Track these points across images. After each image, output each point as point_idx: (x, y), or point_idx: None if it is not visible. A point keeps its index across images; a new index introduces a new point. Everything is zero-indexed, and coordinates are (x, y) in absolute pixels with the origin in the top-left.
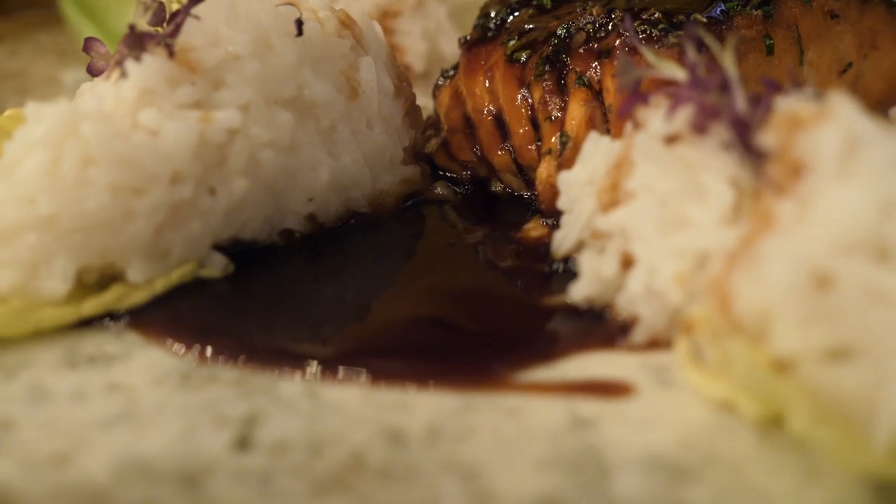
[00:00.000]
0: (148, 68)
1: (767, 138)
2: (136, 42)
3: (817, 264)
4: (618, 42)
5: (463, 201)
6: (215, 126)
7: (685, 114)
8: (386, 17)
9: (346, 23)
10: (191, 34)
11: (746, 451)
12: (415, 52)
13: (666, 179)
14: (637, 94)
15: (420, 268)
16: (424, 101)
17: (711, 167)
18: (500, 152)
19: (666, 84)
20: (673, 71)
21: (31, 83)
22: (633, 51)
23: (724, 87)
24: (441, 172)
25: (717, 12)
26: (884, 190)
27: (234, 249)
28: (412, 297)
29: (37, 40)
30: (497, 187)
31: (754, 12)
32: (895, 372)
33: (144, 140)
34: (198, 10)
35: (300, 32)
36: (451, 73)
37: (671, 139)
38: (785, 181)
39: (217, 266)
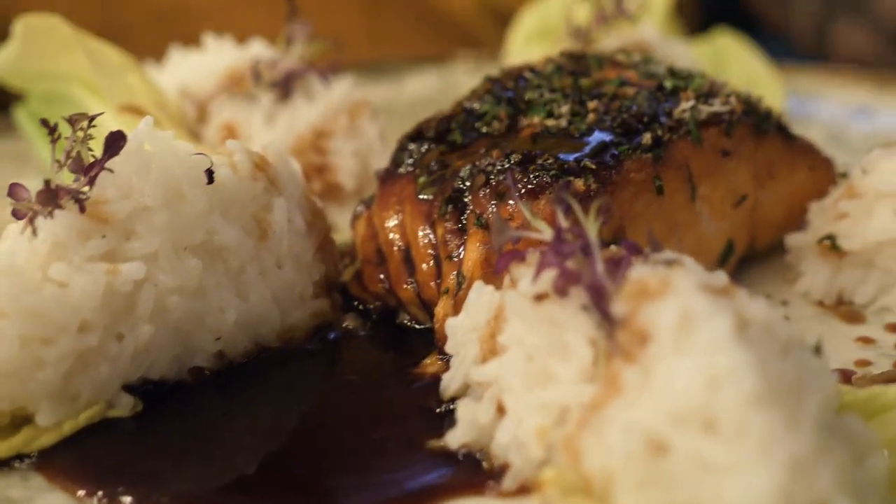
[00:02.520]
0: (59, 224)
1: (619, 306)
2: (50, 197)
3: (654, 432)
4: (494, 202)
5: (371, 333)
6: (122, 277)
7: (550, 275)
8: (320, 137)
9: (261, 165)
10: (104, 187)
11: None
12: (346, 172)
13: (533, 335)
14: (512, 252)
15: (319, 403)
16: None
17: (574, 326)
18: (406, 286)
19: (535, 243)
20: (543, 232)
21: None
22: (511, 205)
23: (585, 251)
24: (354, 302)
25: (608, 157)
26: (711, 366)
27: (144, 388)
28: (302, 434)
29: None
30: (405, 319)
31: (644, 156)
32: None
33: (53, 292)
34: (112, 162)
35: (210, 181)
36: (369, 202)
37: (539, 297)
38: (632, 348)
39: (125, 406)
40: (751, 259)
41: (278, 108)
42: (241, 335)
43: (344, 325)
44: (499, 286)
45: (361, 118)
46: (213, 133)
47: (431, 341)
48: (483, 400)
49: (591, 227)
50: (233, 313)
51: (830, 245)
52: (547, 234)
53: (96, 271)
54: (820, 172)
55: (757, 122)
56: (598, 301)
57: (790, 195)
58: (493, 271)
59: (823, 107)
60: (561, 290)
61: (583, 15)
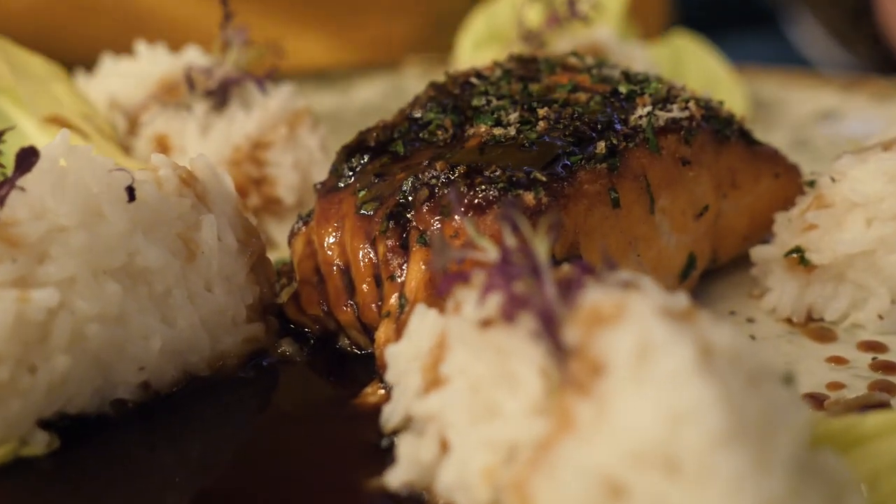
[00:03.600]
0: None
1: (571, 333)
2: None
3: (610, 474)
4: (437, 217)
5: (309, 359)
6: (34, 305)
7: (496, 299)
8: (257, 148)
9: (188, 180)
10: (15, 207)
11: None
12: (286, 185)
13: (478, 365)
14: (455, 274)
15: (252, 438)
16: None
17: (522, 355)
18: (345, 308)
19: (480, 263)
20: (488, 252)
21: None
22: (456, 221)
23: (534, 272)
24: (291, 325)
25: (560, 168)
26: (673, 401)
27: (61, 424)
28: (233, 472)
29: None
30: (344, 344)
31: (598, 166)
32: None
33: None
34: (24, 180)
35: (132, 198)
36: (308, 219)
37: (484, 323)
38: (585, 380)
39: (40, 443)
40: (713, 273)
41: (213, 118)
42: (168, 364)
43: (280, 350)
44: (444, 310)
45: (301, 128)
46: (145, 146)
47: (373, 368)
48: (426, 435)
49: (541, 246)
50: (158, 341)
51: (799, 259)
52: (493, 253)
53: (5, 298)
54: (785, 180)
55: (718, 128)
56: (549, 328)
57: (754, 205)
58: (436, 294)
59: (788, 111)
60: (508, 315)
61: (534, 17)
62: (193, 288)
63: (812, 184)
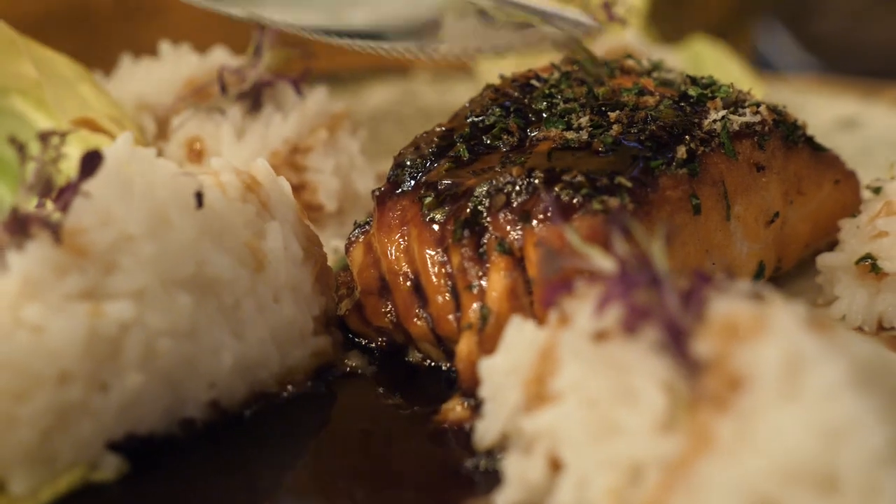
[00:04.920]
0: (31, 257)
1: (703, 347)
2: (19, 226)
3: (760, 493)
4: (539, 226)
5: (378, 373)
6: (107, 319)
7: (614, 311)
8: (296, 153)
9: (251, 186)
10: (80, 214)
11: None
12: (327, 191)
13: (595, 380)
14: (561, 284)
15: (327, 457)
16: (336, 244)
17: (643, 369)
18: (417, 320)
19: (591, 273)
20: (600, 261)
21: None
22: (555, 229)
23: (655, 282)
24: (354, 338)
25: (638, 172)
26: (829, 416)
27: (129, 446)
28: (311, 495)
29: None
30: (415, 357)
31: (680, 171)
32: None
33: (27, 339)
34: (88, 186)
35: (200, 205)
36: (366, 226)
37: (600, 336)
38: (723, 395)
39: (110, 468)
40: (775, 281)
41: (248, 122)
42: (238, 381)
43: (347, 364)
44: (539, 321)
45: (341, 132)
46: (176, 150)
47: (447, 382)
48: (532, 454)
49: (659, 254)
50: (229, 356)
51: (870, 266)
52: (607, 263)
53: (77, 313)
54: (845, 187)
55: (786, 133)
56: (677, 341)
57: (817, 211)
58: (543, 305)
59: (808, 119)
60: (630, 327)
61: None
62: (262, 300)
63: (878, 190)
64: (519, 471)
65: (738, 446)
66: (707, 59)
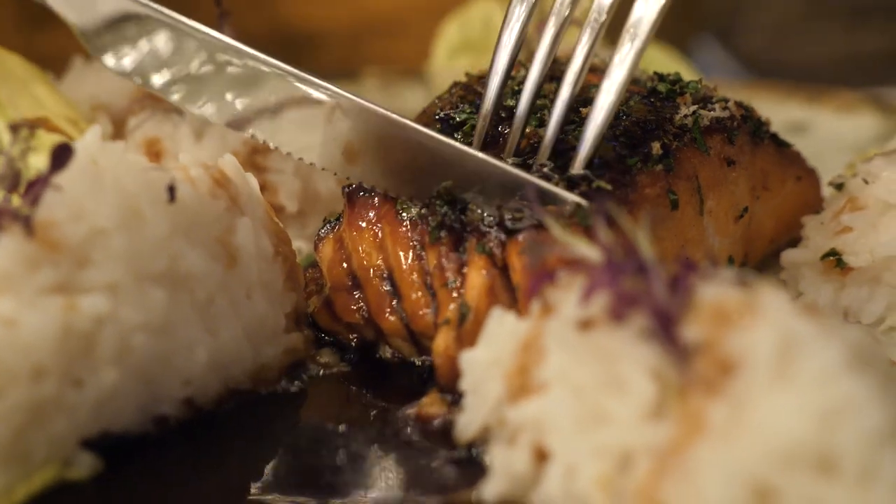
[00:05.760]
0: (3, 250)
1: (692, 332)
2: None
3: (757, 477)
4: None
5: (351, 370)
6: (81, 314)
7: (601, 299)
8: (255, 153)
9: (221, 181)
10: (51, 207)
11: None
12: (287, 192)
13: (581, 369)
14: (545, 273)
15: (303, 454)
16: (299, 245)
17: (630, 357)
18: (389, 316)
19: (575, 263)
20: (585, 250)
21: None
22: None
23: (641, 269)
24: (324, 336)
25: (619, 170)
26: (825, 397)
27: (103, 444)
28: (289, 492)
29: None
30: (386, 353)
31: (656, 167)
32: None
33: (1, 333)
34: (58, 179)
35: (173, 199)
36: (335, 223)
37: (586, 325)
38: (714, 380)
39: (84, 466)
40: None
41: (207, 122)
42: (212, 377)
43: (319, 361)
44: (521, 314)
45: None
46: (134, 151)
47: (419, 378)
48: (516, 445)
49: (644, 242)
50: (203, 352)
51: (835, 262)
52: (590, 254)
53: (50, 307)
54: (806, 183)
55: (753, 129)
56: (665, 326)
57: (780, 207)
58: (528, 295)
59: None
60: (618, 314)
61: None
62: (235, 296)
63: (840, 187)
64: (504, 462)
65: (731, 430)
66: (657, 65)
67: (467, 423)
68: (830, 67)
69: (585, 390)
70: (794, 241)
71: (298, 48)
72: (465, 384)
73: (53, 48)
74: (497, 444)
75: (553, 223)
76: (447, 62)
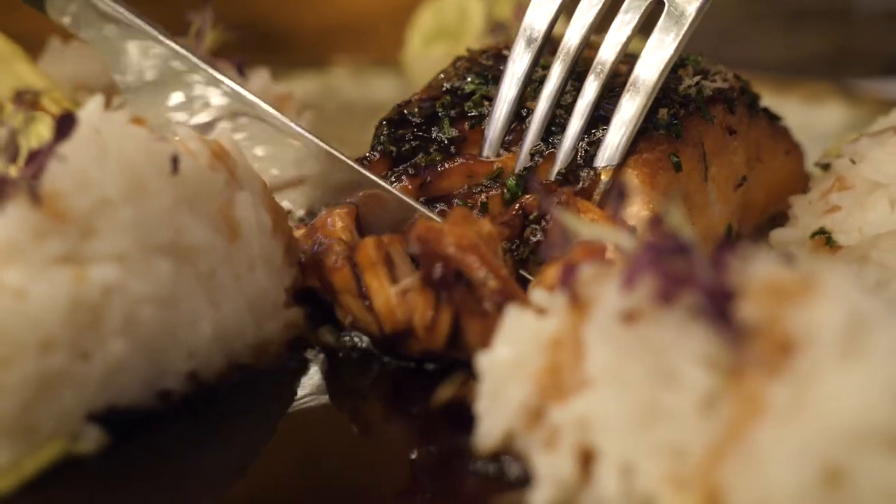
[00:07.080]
0: (10, 219)
1: (748, 311)
2: None
3: (826, 457)
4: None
5: (350, 349)
6: (90, 284)
7: (646, 283)
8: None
9: (220, 154)
10: (56, 177)
11: None
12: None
13: (629, 363)
14: (573, 265)
15: (311, 431)
16: None
17: (679, 346)
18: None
19: (599, 251)
20: (614, 236)
21: None
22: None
23: (682, 248)
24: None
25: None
26: None
27: (109, 418)
28: (295, 475)
29: None
30: None
31: (663, 133)
32: None
33: (9, 304)
34: (63, 149)
35: (176, 170)
36: None
37: (629, 317)
38: (773, 360)
39: (91, 440)
40: None
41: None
42: (216, 351)
43: (322, 337)
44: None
45: (288, 113)
46: None
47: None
48: (558, 448)
49: (680, 219)
50: (207, 325)
51: (825, 240)
52: (621, 240)
53: (59, 277)
54: (794, 157)
55: (750, 101)
56: (718, 307)
57: (771, 180)
58: (560, 286)
59: None
60: (667, 296)
61: (502, 10)
62: (237, 269)
63: (827, 167)
64: (548, 468)
65: (796, 411)
66: None
67: (489, 430)
68: (774, 70)
69: (636, 385)
70: (778, 221)
71: (273, 41)
72: (482, 389)
73: (27, 29)
74: (539, 452)
75: (571, 217)
76: (422, 49)
